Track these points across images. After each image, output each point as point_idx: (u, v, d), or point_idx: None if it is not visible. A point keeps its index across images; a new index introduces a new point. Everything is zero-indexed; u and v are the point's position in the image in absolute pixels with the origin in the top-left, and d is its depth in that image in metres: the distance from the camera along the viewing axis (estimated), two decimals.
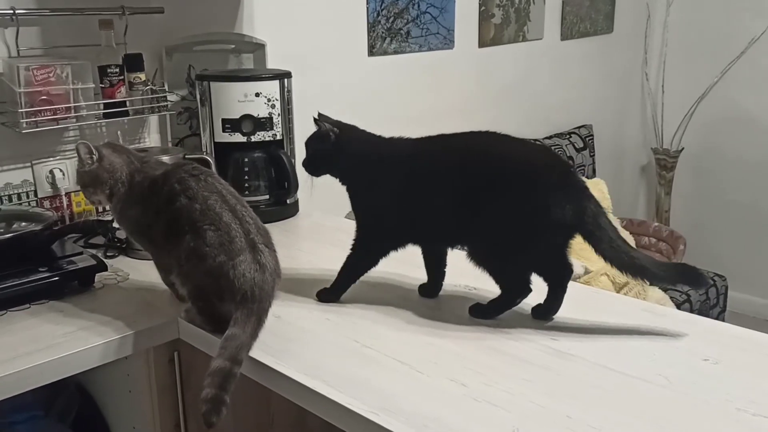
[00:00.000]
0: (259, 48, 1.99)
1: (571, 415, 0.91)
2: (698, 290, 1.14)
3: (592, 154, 3.17)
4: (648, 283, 1.15)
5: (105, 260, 1.41)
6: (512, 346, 1.11)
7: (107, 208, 1.34)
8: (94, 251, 1.48)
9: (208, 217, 1.15)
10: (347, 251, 1.29)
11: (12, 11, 1.50)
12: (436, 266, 1.32)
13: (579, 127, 3.19)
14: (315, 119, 1.29)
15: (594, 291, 1.35)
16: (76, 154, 1.24)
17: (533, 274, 1.22)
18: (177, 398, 1.28)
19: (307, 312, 1.26)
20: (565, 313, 1.22)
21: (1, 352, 1.12)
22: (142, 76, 1.67)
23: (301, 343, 1.15)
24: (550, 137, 3.03)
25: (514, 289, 1.21)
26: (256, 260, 1.14)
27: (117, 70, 1.62)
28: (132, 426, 1.31)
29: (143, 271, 1.43)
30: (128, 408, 1.30)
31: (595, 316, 1.22)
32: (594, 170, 3.17)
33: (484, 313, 1.22)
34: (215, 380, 1.02)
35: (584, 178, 2.85)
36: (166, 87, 1.75)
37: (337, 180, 1.31)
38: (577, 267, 2.06)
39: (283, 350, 1.11)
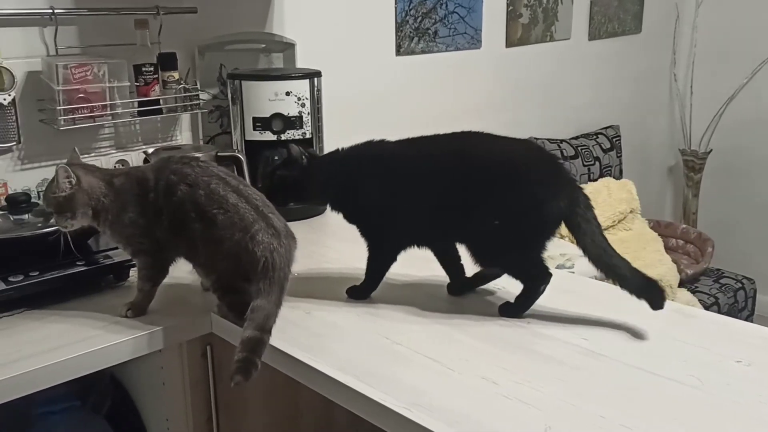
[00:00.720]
0: (288, 47, 2.01)
1: (603, 415, 0.92)
2: (653, 309, 1.16)
3: (618, 155, 3.15)
4: (617, 284, 1.18)
5: None
6: (543, 345, 1.12)
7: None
8: None
9: (215, 201, 1.16)
10: None
11: (51, 11, 1.54)
12: (450, 263, 1.32)
13: (606, 128, 3.17)
14: (286, 145, 1.27)
15: (624, 291, 1.35)
16: (55, 178, 1.18)
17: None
18: (209, 392, 1.30)
19: (336, 308, 1.27)
20: (594, 313, 1.23)
21: (39, 344, 1.15)
22: (176, 75, 1.70)
23: (331, 339, 1.17)
24: (576, 137, 3.02)
25: (533, 279, 1.22)
26: (270, 225, 1.17)
27: (151, 68, 1.65)
28: (165, 418, 1.33)
29: (177, 266, 1.45)
30: (161, 400, 1.32)
31: (624, 316, 1.22)
32: (621, 171, 3.15)
33: (514, 311, 1.22)
34: (247, 346, 1.06)
35: (612, 179, 2.86)
36: (198, 85, 1.78)
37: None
38: None
39: (314, 345, 1.13)
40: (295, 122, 1.76)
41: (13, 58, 1.52)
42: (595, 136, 3.07)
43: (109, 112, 1.59)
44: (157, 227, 1.20)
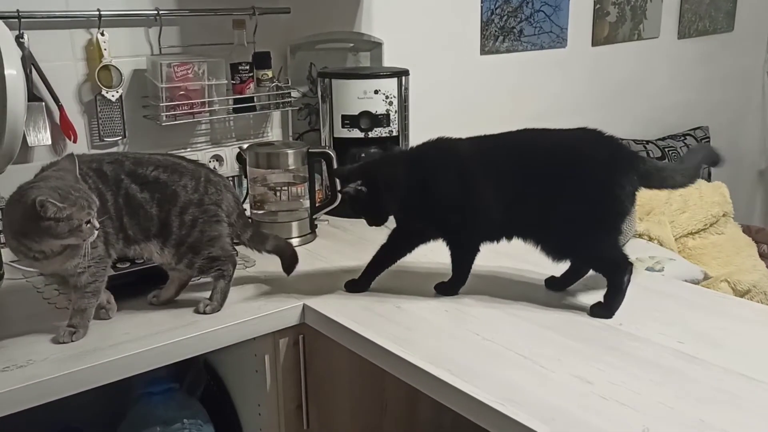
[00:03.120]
0: (376, 46, 2.05)
1: (703, 419, 0.90)
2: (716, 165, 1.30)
3: None
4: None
5: None
6: (636, 347, 1.10)
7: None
8: None
9: (146, 163, 1.20)
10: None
11: (156, 11, 1.62)
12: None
13: (694, 129, 3.07)
14: (344, 189, 1.28)
15: (720, 295, 1.32)
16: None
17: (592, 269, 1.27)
18: (300, 380, 1.34)
19: (425, 303, 1.29)
20: (690, 317, 1.20)
21: (143, 328, 1.21)
22: (269, 73, 1.75)
23: (421, 333, 1.18)
24: (663, 138, 2.94)
25: (614, 268, 1.21)
26: (211, 170, 1.27)
27: (247, 67, 1.71)
28: (257, 404, 1.38)
29: (267, 259, 1.50)
30: (254, 387, 1.37)
31: (721, 320, 1.19)
32: (709, 174, 3.05)
33: (605, 312, 1.21)
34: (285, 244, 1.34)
35: (704, 181, 2.78)
36: (290, 84, 1.83)
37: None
38: (696, 272, 2.00)
39: (406, 338, 1.15)
40: (382, 120, 1.79)
41: (121, 57, 1.61)
42: (682, 138, 2.98)
43: (207, 109, 1.66)
44: (111, 213, 1.17)
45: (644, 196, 2.45)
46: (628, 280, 1.21)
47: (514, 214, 1.23)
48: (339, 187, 1.32)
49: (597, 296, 1.25)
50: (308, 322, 1.29)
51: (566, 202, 1.19)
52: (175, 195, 1.21)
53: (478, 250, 1.30)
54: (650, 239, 2.16)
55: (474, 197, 1.24)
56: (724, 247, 2.37)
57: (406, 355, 1.09)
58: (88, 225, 1.08)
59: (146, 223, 1.20)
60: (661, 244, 2.11)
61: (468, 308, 1.26)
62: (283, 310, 1.29)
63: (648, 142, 2.84)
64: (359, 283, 1.34)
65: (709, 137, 3.09)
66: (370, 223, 1.32)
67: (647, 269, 1.86)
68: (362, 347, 1.17)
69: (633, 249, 2.08)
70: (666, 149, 2.86)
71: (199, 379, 1.50)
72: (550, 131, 1.27)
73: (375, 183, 1.26)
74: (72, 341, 1.15)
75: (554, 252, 1.24)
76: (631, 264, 1.22)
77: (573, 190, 1.19)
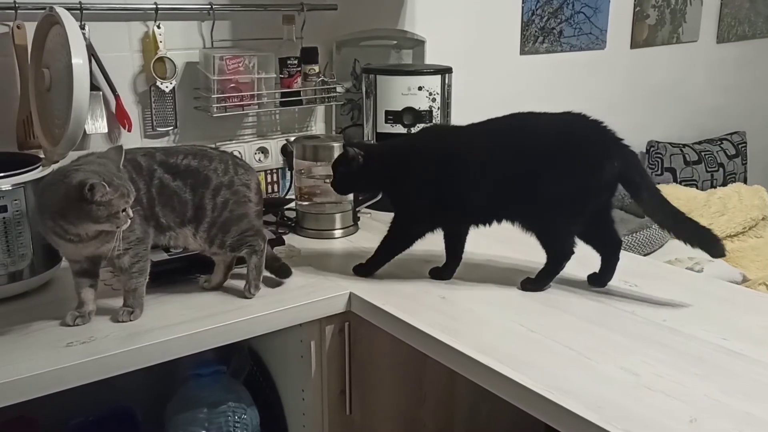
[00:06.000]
0: (418, 44, 2.08)
1: (750, 412, 0.92)
2: (713, 257, 1.21)
3: (744, 161, 3.03)
4: (672, 234, 1.23)
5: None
6: (680, 342, 1.12)
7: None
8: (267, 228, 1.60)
9: (174, 153, 1.24)
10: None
11: (209, 6, 1.66)
12: (454, 247, 1.38)
13: (731, 134, 3.06)
14: (345, 147, 1.38)
15: (761, 295, 1.33)
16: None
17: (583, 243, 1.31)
18: (345, 366, 1.37)
19: (469, 294, 1.32)
20: (732, 315, 1.22)
21: (201, 309, 1.25)
22: (316, 68, 1.79)
23: (467, 323, 1.21)
24: (699, 142, 2.93)
25: (561, 253, 1.28)
26: (232, 155, 1.31)
27: (295, 62, 1.75)
28: (301, 389, 1.41)
29: (313, 248, 1.54)
30: (298, 372, 1.40)
31: (763, 319, 1.21)
32: (746, 179, 3.04)
33: (534, 285, 1.29)
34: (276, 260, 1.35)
35: (743, 185, 2.76)
36: (335, 79, 1.87)
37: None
38: (735, 274, 2.00)
39: (452, 328, 1.17)
40: (425, 116, 1.82)
41: (175, 50, 1.66)
42: (719, 142, 2.98)
43: (255, 102, 1.70)
44: (144, 204, 1.20)
45: (682, 197, 2.46)
46: (562, 268, 1.29)
47: (501, 194, 1.27)
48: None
49: (640, 293, 1.28)
50: (354, 309, 1.32)
51: (555, 179, 1.23)
52: (207, 179, 1.25)
53: (415, 241, 1.36)
54: None
55: (454, 179, 1.28)
56: (763, 250, 2.36)
57: (454, 343, 1.12)
58: (124, 213, 1.11)
59: (181, 208, 1.24)
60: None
61: (511, 300, 1.29)
62: (330, 298, 1.32)
63: (684, 145, 2.84)
64: (367, 268, 1.40)
65: (746, 142, 3.08)
66: (336, 186, 1.42)
67: (686, 269, 1.86)
68: (410, 336, 1.20)
69: (672, 250, 2.09)
70: (702, 153, 2.85)
71: (244, 364, 1.54)
72: (539, 114, 1.31)
73: (369, 160, 1.35)
74: (131, 320, 1.20)
75: (532, 227, 1.28)
76: (572, 255, 1.28)
77: (565, 169, 1.23)
